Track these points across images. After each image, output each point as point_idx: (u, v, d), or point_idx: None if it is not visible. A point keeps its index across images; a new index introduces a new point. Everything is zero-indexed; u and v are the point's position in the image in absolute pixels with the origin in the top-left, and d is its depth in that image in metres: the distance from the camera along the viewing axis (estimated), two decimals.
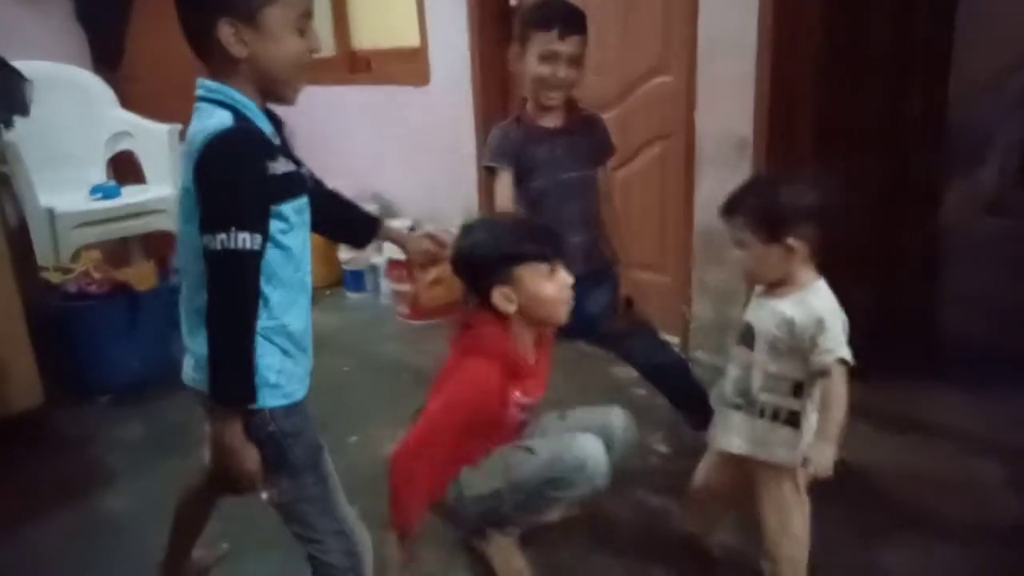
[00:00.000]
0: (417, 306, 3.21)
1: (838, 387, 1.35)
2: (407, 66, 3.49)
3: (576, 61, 1.89)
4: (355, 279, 3.64)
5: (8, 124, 2.58)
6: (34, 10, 3.52)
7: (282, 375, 1.20)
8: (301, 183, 1.21)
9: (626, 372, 2.33)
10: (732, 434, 1.49)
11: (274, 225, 1.13)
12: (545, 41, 1.86)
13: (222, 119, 1.09)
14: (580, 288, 1.59)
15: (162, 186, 3.29)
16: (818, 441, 1.37)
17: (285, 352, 1.20)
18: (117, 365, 2.60)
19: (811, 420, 1.42)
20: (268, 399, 1.18)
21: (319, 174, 1.41)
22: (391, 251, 3.27)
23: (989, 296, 3.03)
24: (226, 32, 1.08)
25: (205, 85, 1.13)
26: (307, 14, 1.15)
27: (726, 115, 2.39)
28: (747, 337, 1.47)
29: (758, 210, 1.40)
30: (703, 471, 1.64)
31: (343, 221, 1.54)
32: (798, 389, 1.42)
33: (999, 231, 3.88)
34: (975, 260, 3.26)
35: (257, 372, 1.14)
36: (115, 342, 2.59)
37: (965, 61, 2.57)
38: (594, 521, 1.62)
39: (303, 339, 1.24)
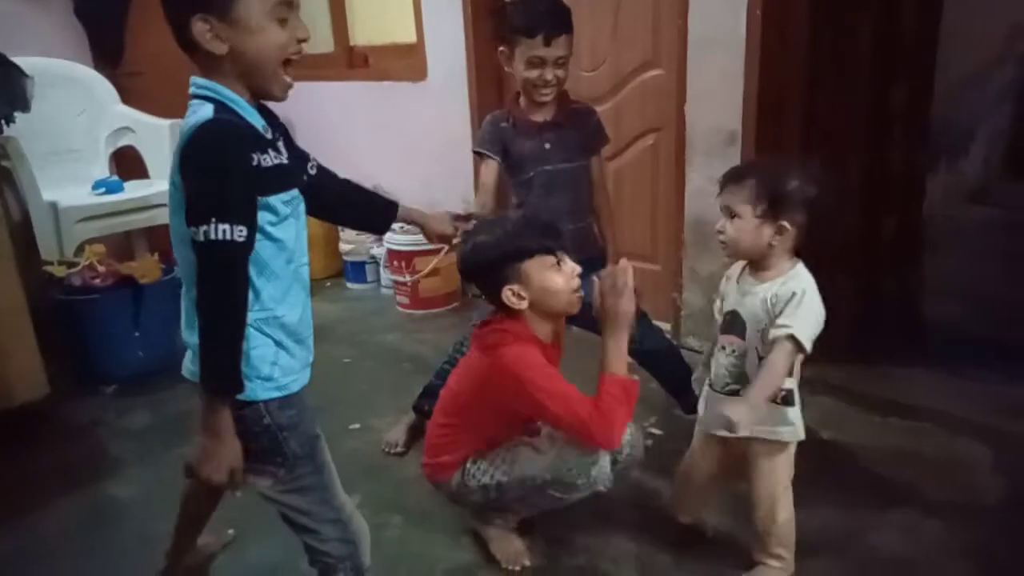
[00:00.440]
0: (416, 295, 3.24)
1: (778, 363, 1.36)
2: (404, 62, 3.51)
3: (563, 62, 1.91)
4: (356, 270, 3.68)
5: (9, 120, 2.58)
6: (34, 7, 3.53)
7: (276, 367, 1.19)
8: (292, 176, 1.20)
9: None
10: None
11: (263, 217, 1.12)
12: (532, 47, 1.88)
13: (205, 112, 1.09)
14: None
15: (165, 181, 3.24)
16: (741, 401, 1.37)
17: (279, 344, 1.19)
18: (122, 356, 2.62)
19: (795, 389, 1.47)
20: (262, 391, 1.17)
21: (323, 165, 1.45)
22: (391, 242, 3.31)
23: (971, 283, 3.07)
24: (200, 29, 1.07)
25: (195, 82, 1.13)
26: (286, 2, 1.12)
27: (716, 109, 2.42)
28: (736, 325, 1.50)
29: (765, 185, 1.42)
30: (693, 456, 1.68)
31: (361, 208, 1.56)
32: (791, 370, 1.45)
33: (982, 220, 3.93)
34: (958, 248, 3.31)
35: (249, 363, 1.14)
36: (120, 334, 2.61)
37: (950, 55, 2.61)
38: (590, 502, 1.65)
39: (299, 331, 1.23)
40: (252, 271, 1.12)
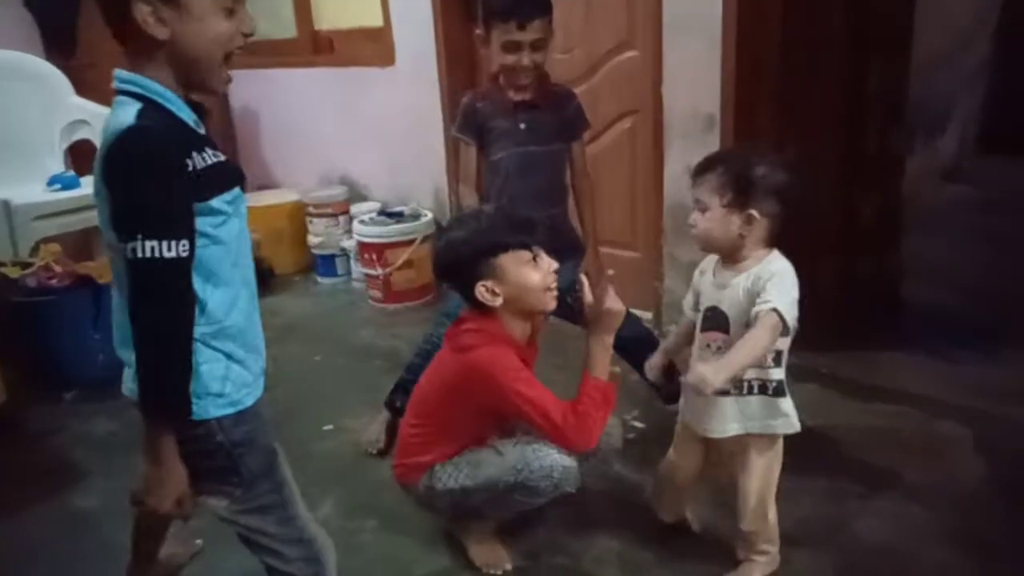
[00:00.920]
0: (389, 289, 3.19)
1: (761, 336, 1.33)
2: (371, 46, 3.44)
3: (541, 45, 1.87)
4: (325, 263, 3.60)
5: None
6: None
7: (227, 382, 1.13)
8: (232, 173, 1.14)
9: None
10: (726, 420, 1.48)
11: (205, 222, 1.06)
12: (506, 31, 1.85)
13: (127, 116, 1.01)
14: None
15: None
16: (716, 366, 1.34)
17: (230, 356, 1.13)
18: (82, 360, 2.54)
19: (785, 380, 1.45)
20: (213, 409, 1.11)
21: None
22: (362, 234, 3.23)
23: (949, 263, 3.09)
24: (143, 11, 1.00)
25: (120, 76, 1.05)
26: None
27: (693, 91, 2.40)
28: (719, 321, 1.47)
29: (729, 174, 1.40)
30: (677, 454, 1.64)
31: None
32: (779, 357, 1.44)
33: (957, 199, 3.97)
34: (935, 228, 3.33)
35: (199, 380, 1.09)
36: (79, 337, 2.53)
37: (924, 35, 2.60)
38: (572, 499, 1.62)
39: (250, 337, 1.17)
40: (197, 281, 1.06)
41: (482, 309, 1.52)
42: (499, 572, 1.66)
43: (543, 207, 1.96)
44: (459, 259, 1.52)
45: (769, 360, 1.42)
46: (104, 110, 3.24)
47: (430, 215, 3.29)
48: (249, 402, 1.16)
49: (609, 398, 1.48)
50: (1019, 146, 4.16)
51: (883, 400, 2.23)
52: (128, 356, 1.09)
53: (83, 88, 3.43)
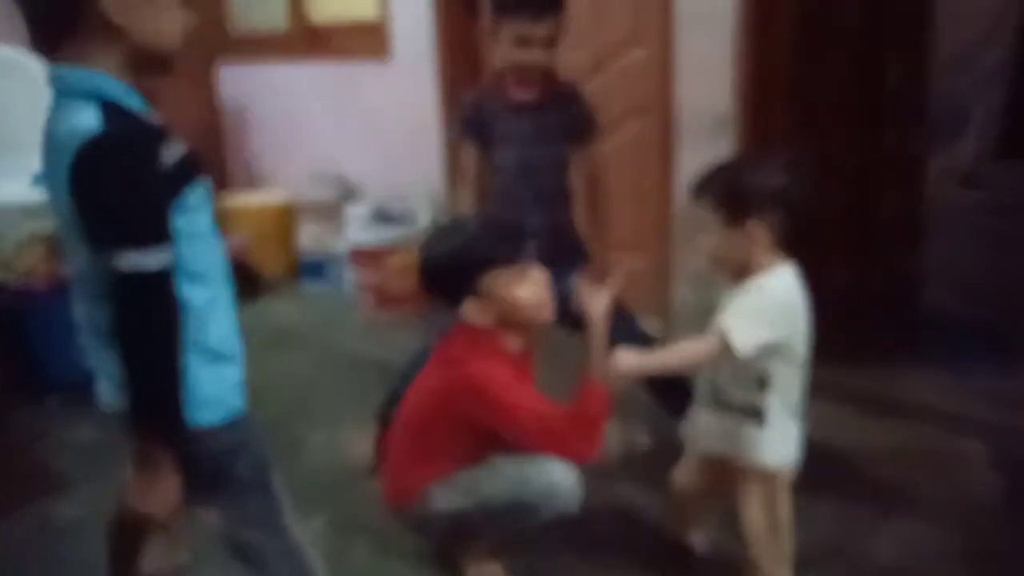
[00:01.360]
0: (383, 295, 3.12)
1: (697, 343, 1.35)
2: (367, 40, 3.39)
3: (552, 41, 1.83)
4: (315, 269, 3.54)
5: None
6: None
7: (215, 386, 1.11)
8: (195, 162, 1.10)
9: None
10: (710, 436, 1.47)
11: (181, 219, 1.03)
12: (518, 25, 1.80)
13: (88, 121, 0.97)
14: (550, 270, 1.54)
15: None
16: (639, 354, 1.37)
17: (216, 359, 1.11)
18: (66, 364, 2.43)
19: (776, 410, 1.38)
20: (202, 415, 1.09)
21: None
22: (354, 239, 3.17)
23: (966, 270, 3.05)
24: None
25: (63, 75, 1.01)
26: None
27: (705, 91, 2.37)
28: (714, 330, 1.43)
29: (721, 192, 1.37)
30: (682, 472, 1.61)
31: None
32: (762, 382, 1.38)
33: (975, 203, 3.92)
34: (954, 234, 3.27)
35: (188, 389, 1.06)
36: (63, 340, 2.43)
37: (942, 34, 2.54)
38: (574, 517, 1.57)
39: (233, 340, 1.15)
40: (180, 282, 1.04)
41: (471, 322, 1.47)
42: None
43: (545, 211, 1.92)
44: (443, 277, 1.48)
45: (750, 382, 1.37)
46: None
47: (426, 219, 3.22)
48: (239, 405, 1.15)
49: (608, 403, 1.42)
50: None
51: (896, 414, 2.21)
52: (104, 364, 1.09)
53: None
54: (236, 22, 3.96)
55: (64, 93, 1.01)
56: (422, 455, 1.57)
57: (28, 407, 2.46)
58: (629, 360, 1.35)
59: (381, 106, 3.39)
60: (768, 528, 1.44)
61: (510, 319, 1.47)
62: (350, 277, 3.33)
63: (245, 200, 3.53)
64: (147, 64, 1.06)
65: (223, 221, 1.59)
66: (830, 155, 2.28)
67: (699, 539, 1.69)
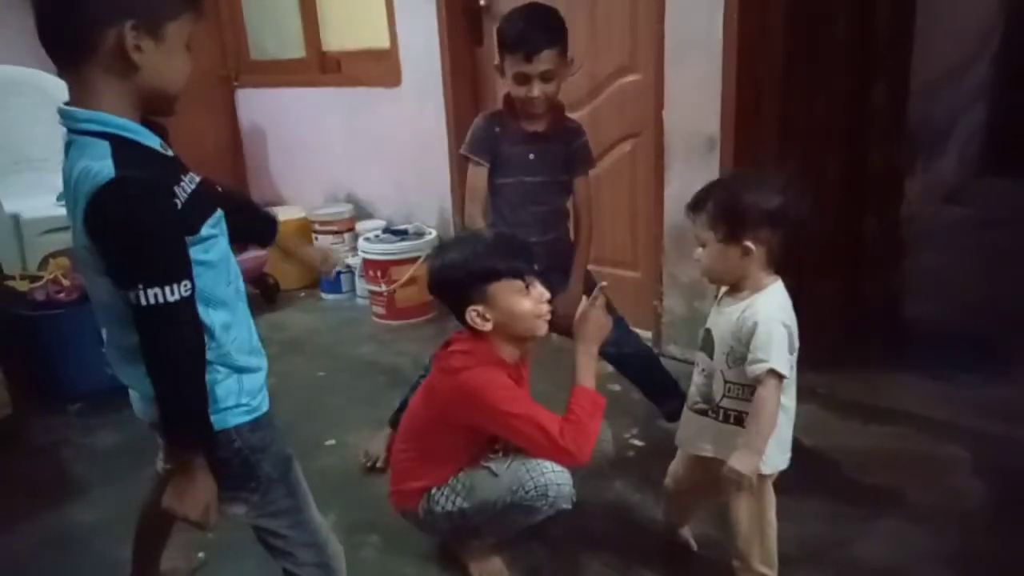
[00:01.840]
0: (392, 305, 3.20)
1: (768, 399, 1.33)
2: (378, 67, 3.47)
3: (551, 76, 1.86)
4: (330, 280, 3.60)
5: None
6: None
7: (242, 394, 1.16)
8: (210, 196, 1.14)
9: (600, 367, 2.33)
10: (703, 439, 1.49)
11: (197, 250, 1.07)
12: (515, 63, 1.85)
13: (102, 164, 0.97)
14: (544, 282, 1.58)
15: None
16: (744, 451, 1.34)
17: (241, 370, 1.16)
18: (87, 373, 2.50)
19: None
20: (230, 418, 1.14)
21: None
22: (366, 251, 3.25)
23: (951, 283, 3.08)
24: (129, 37, 0.98)
25: (74, 115, 1.01)
26: (191, 32, 1.09)
27: (694, 114, 2.41)
28: (707, 344, 1.48)
29: (719, 208, 1.38)
30: (674, 470, 1.64)
31: (248, 222, 1.52)
32: (753, 390, 1.40)
33: (958, 219, 3.95)
34: (937, 249, 3.32)
35: (215, 398, 1.11)
36: (85, 350, 2.51)
37: (925, 55, 2.62)
38: (572, 516, 1.62)
39: (253, 343, 1.20)
40: (200, 308, 1.07)
41: (473, 331, 1.53)
42: None
43: (543, 233, 1.99)
44: (451, 281, 1.53)
45: (746, 393, 1.41)
46: None
47: (434, 233, 3.30)
48: (264, 407, 1.20)
49: (599, 406, 1.48)
50: (1022, 167, 4.16)
51: (884, 420, 2.22)
52: (131, 379, 1.14)
53: None
54: (254, 52, 4.07)
55: (77, 131, 1.01)
56: (423, 458, 1.62)
57: (50, 415, 2.49)
58: (743, 466, 1.32)
59: (392, 129, 3.45)
60: (756, 529, 1.47)
61: (508, 329, 1.51)
62: (362, 288, 3.43)
63: None
64: (152, 105, 1.07)
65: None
66: (816, 173, 2.31)
67: (695, 533, 1.72)
